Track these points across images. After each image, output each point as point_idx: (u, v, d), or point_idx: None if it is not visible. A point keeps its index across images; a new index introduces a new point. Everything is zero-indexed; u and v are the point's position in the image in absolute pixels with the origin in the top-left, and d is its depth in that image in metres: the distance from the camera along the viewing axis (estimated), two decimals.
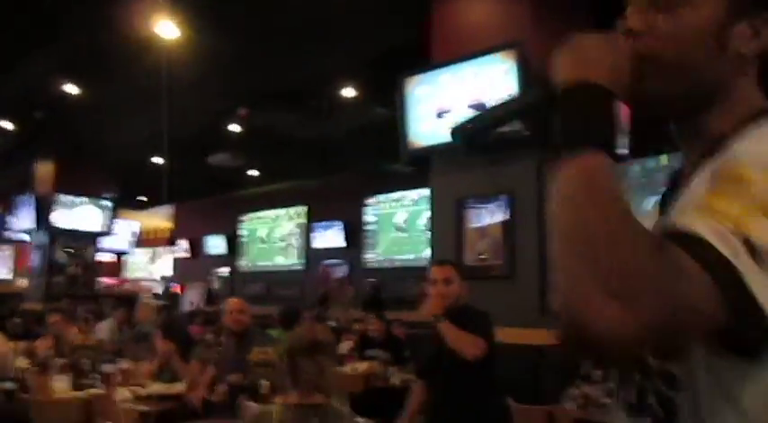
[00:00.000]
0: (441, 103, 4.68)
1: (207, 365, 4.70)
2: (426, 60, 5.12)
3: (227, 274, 16.68)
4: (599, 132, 0.68)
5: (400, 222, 12.25)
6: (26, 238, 15.97)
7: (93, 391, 4.20)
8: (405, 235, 12.05)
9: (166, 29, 6.32)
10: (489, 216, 4.49)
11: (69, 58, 7.66)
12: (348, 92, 8.12)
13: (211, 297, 15.16)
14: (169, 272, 19.32)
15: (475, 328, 2.96)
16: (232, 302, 4.63)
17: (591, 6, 4.78)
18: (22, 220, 11.34)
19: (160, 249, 19.93)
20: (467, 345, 2.92)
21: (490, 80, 4.43)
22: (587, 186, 0.65)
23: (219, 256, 16.67)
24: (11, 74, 8.29)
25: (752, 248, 0.61)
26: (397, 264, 11.97)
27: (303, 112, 9.03)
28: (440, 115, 4.67)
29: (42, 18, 6.58)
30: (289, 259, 14.76)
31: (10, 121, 10.40)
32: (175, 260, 18.79)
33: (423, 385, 3.30)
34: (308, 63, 7.36)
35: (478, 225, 4.55)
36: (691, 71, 0.78)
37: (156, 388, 4.47)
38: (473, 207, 4.59)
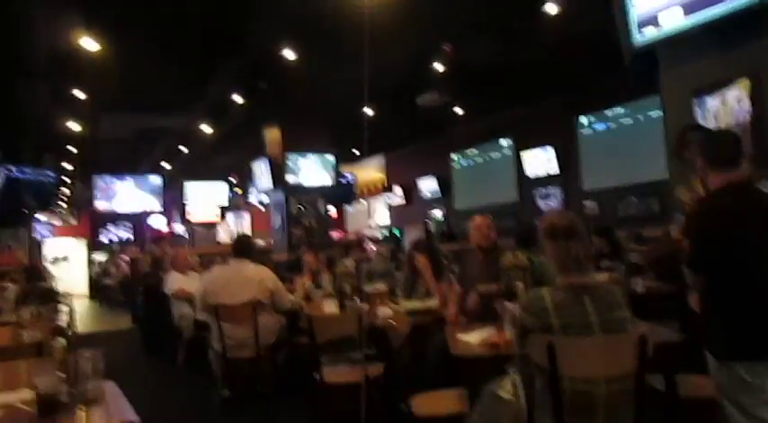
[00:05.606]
0: None
1: (453, 284, 5.02)
2: None
3: (441, 217, 17.15)
4: None
5: (617, 141, 11.68)
6: (262, 201, 17.78)
7: (358, 307, 4.67)
8: (624, 153, 11.52)
9: None
10: (730, 102, 4.18)
11: (284, 27, 8.31)
12: (549, 7, 7.81)
13: (429, 237, 15.73)
14: (386, 220, 20.30)
15: None
16: (479, 219, 4.77)
17: None
18: (261, 182, 12.58)
19: (376, 199, 20.97)
20: None
21: None
22: None
23: (433, 199, 17.17)
24: (237, 50, 9.18)
25: None
26: (618, 184, 11.50)
27: (505, 39, 8.91)
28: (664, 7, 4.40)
29: None
30: (501, 192, 14.77)
31: (240, 96, 11.50)
32: (390, 208, 19.69)
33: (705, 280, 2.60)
34: None
35: (718, 113, 4.26)
36: None
37: (413, 304, 4.87)
38: (710, 95, 4.30)
